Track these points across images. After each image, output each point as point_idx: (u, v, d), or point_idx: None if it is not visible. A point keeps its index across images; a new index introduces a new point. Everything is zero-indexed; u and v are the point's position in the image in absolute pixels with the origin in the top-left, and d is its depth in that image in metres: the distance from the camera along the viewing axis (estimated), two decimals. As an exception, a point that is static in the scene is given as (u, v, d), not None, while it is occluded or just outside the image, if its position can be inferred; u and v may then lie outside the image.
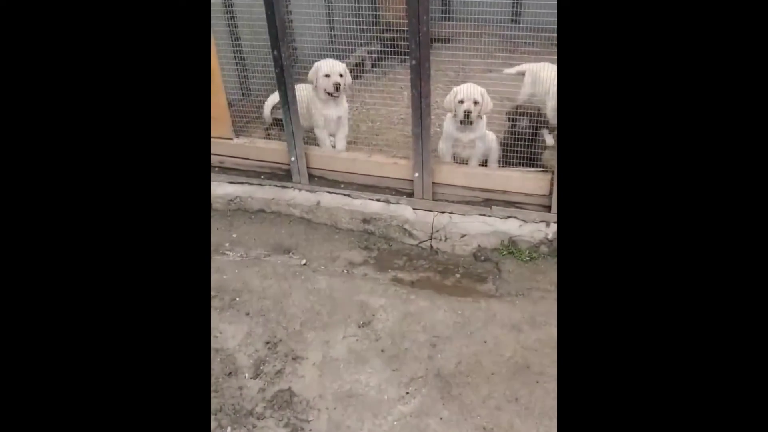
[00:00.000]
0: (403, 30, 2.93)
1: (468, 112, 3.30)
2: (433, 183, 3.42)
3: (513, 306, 2.97)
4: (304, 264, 3.42)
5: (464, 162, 3.61)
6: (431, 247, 3.47)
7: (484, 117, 3.50)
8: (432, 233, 3.45)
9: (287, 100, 3.40)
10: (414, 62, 2.96)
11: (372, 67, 5.91)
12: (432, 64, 2.97)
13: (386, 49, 5.10)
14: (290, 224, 3.72)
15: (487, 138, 3.59)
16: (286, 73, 3.30)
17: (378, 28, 6.04)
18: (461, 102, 3.34)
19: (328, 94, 3.62)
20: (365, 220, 3.57)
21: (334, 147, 3.83)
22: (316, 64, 3.62)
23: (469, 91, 3.31)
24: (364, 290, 3.12)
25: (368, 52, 5.75)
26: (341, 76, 3.57)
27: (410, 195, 3.51)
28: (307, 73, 3.65)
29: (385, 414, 2.44)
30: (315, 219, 3.71)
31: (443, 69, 4.98)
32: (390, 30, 5.60)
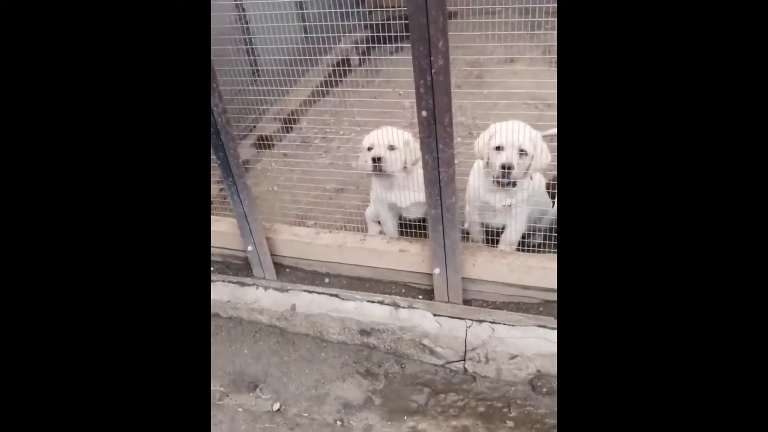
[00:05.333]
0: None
1: (509, 169, 2.08)
2: (464, 278, 2.24)
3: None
4: (278, 410, 2.29)
5: (497, 233, 2.41)
6: (465, 369, 2.32)
7: (537, 176, 2.28)
8: (466, 351, 2.30)
9: (230, 171, 2.19)
10: (424, 84, 1.74)
11: (360, 63, 4.64)
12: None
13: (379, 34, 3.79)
14: (256, 338, 2.57)
15: (538, 198, 2.37)
16: (222, 132, 2.08)
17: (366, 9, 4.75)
18: (499, 149, 2.12)
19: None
20: (364, 332, 2.42)
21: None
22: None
23: (512, 134, 2.09)
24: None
25: (354, 43, 4.49)
26: (392, 149, 2.33)
27: (429, 295, 2.34)
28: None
29: None
30: (290, 328, 2.55)
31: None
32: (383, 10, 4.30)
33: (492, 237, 2.43)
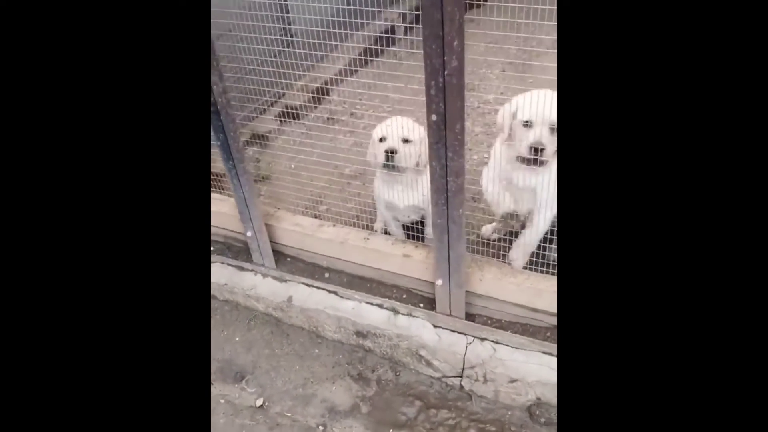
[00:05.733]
0: None
1: (541, 147, 1.84)
2: (469, 292, 2.08)
3: None
4: (261, 406, 2.21)
5: (518, 219, 2.17)
6: (461, 386, 2.18)
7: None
8: (463, 369, 2.15)
9: (230, 154, 2.06)
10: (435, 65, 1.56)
11: (406, 32, 4.37)
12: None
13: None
14: (250, 326, 2.49)
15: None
16: (222, 113, 1.95)
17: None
18: (527, 125, 1.88)
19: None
20: (360, 334, 2.30)
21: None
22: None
23: (543, 107, 1.83)
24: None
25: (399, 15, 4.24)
26: (406, 142, 2.16)
27: (431, 304, 2.19)
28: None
29: None
30: (286, 319, 2.45)
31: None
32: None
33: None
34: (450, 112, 1.57)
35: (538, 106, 1.82)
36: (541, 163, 1.89)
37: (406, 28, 4.33)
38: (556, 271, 2.05)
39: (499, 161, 2.04)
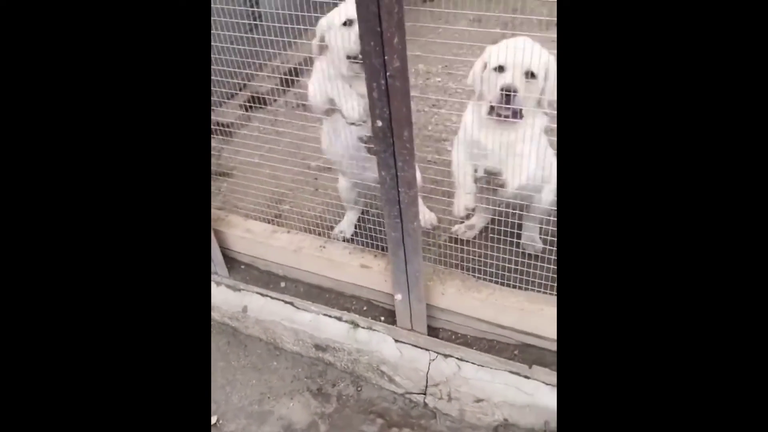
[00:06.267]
0: None
1: (511, 91, 1.61)
2: (431, 306, 1.92)
3: None
4: (215, 424, 2.07)
5: (495, 185, 1.84)
6: (425, 404, 2.04)
7: (543, 117, 1.78)
8: (427, 386, 2.00)
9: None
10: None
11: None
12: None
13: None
14: (205, 336, 2.32)
15: (543, 154, 1.82)
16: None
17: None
18: (500, 70, 1.66)
19: None
20: (319, 347, 2.15)
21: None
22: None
23: (517, 53, 1.62)
24: None
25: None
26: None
27: (392, 317, 2.04)
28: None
29: None
30: (243, 329, 2.30)
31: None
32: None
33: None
34: (396, 119, 1.38)
35: (512, 51, 1.62)
36: (514, 114, 1.67)
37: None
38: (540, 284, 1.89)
39: (470, 127, 1.81)
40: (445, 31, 4.28)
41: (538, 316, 1.77)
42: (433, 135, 3.01)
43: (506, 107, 1.64)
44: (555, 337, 1.79)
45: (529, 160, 1.73)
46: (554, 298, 1.81)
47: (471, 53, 3.73)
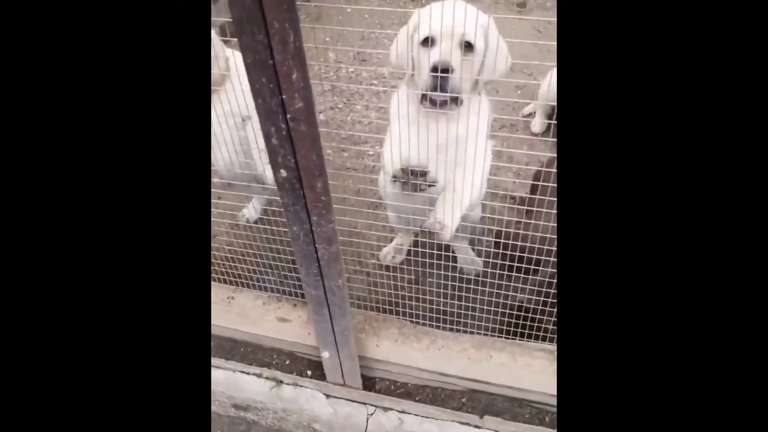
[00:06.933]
0: None
1: (445, 72, 1.28)
2: (365, 357, 1.66)
3: None
4: None
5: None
6: (367, 461, 1.79)
7: (484, 100, 1.47)
8: (366, 443, 1.76)
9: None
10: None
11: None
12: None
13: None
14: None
15: (482, 151, 1.45)
16: None
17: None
18: (429, 43, 1.32)
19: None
20: (239, 407, 1.84)
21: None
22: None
23: (448, 19, 1.29)
24: None
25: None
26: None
27: (320, 370, 1.76)
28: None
29: None
30: (145, 395, 1.94)
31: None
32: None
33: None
34: (305, 167, 1.08)
35: (442, 18, 1.29)
36: (453, 100, 1.35)
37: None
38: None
39: (396, 124, 1.46)
40: (354, 12, 3.95)
41: (485, 363, 1.56)
42: (352, 137, 2.70)
43: (441, 95, 1.31)
44: (505, 384, 1.59)
45: (473, 168, 1.43)
46: (502, 342, 1.60)
47: (385, 36, 3.43)
